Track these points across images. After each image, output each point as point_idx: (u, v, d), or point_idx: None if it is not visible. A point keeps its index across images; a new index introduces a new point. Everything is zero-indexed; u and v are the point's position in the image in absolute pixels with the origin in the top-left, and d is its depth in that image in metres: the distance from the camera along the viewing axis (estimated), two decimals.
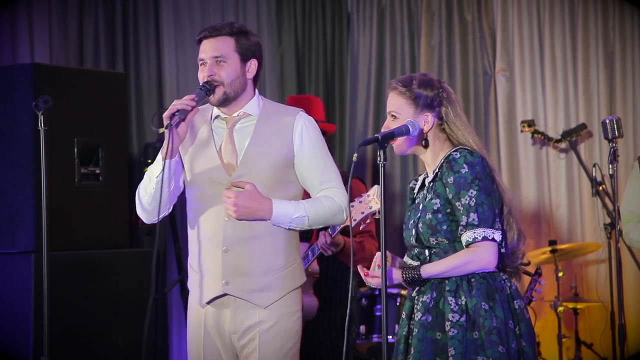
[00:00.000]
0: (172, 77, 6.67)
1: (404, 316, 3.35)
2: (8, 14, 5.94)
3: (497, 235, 3.25)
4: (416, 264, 3.31)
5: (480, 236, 3.22)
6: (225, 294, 3.62)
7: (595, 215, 6.45)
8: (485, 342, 3.18)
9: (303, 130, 3.66)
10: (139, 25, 6.53)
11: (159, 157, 3.59)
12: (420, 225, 3.30)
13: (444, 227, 3.26)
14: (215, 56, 3.60)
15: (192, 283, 3.72)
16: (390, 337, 5.44)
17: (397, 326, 5.45)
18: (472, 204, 3.22)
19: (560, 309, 6.00)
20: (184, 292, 6.07)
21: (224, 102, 3.63)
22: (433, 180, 3.33)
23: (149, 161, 5.95)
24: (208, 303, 3.65)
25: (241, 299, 3.61)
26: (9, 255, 4.87)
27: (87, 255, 5.03)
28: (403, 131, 3.29)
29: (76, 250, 4.99)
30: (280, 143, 3.64)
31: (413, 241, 3.33)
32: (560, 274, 6.04)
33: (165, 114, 3.51)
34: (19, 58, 5.93)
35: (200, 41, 3.66)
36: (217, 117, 3.70)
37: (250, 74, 3.67)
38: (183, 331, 6.34)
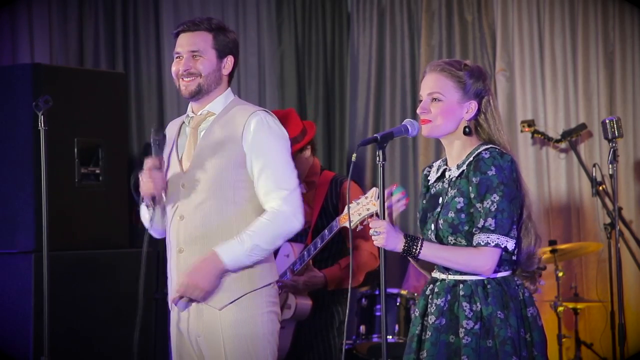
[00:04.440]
0: (172, 77, 6.66)
1: (417, 314, 3.27)
2: (8, 14, 5.94)
3: (510, 244, 3.16)
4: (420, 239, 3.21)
5: (493, 242, 3.13)
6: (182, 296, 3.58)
7: (595, 215, 6.45)
8: (499, 352, 3.11)
9: (255, 130, 3.56)
10: (139, 25, 6.54)
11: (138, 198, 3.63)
12: (441, 222, 3.21)
13: (465, 228, 3.17)
14: (192, 50, 3.60)
15: (169, 284, 3.72)
16: (390, 337, 5.44)
17: (397, 326, 5.46)
18: (493, 209, 3.13)
19: (560, 309, 6.00)
20: None
21: (197, 94, 3.61)
22: (459, 176, 3.23)
23: None
24: (176, 304, 3.61)
25: (198, 301, 3.55)
26: (9, 255, 4.87)
27: (87, 255, 5.03)
28: (402, 131, 3.24)
29: (76, 250, 5.00)
30: (230, 142, 3.57)
31: (432, 237, 3.25)
32: (560, 274, 6.03)
33: (144, 194, 3.58)
34: (19, 58, 5.93)
35: (177, 34, 3.65)
36: (187, 116, 3.71)
37: (226, 70, 3.66)
38: None
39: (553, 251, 6.04)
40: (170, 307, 3.69)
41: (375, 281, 5.49)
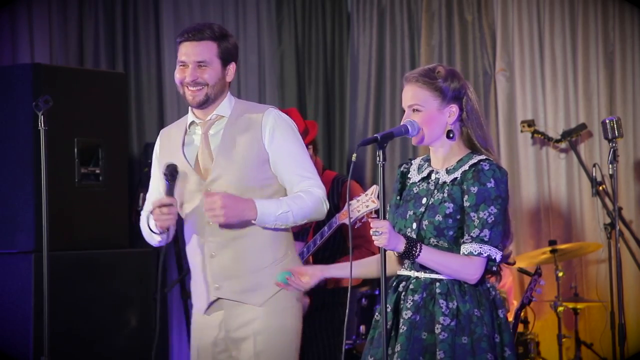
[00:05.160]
0: (172, 77, 6.64)
1: (389, 309, 3.29)
2: (8, 14, 5.95)
3: (499, 257, 3.24)
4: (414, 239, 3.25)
5: (485, 253, 3.20)
6: (219, 298, 3.65)
7: (595, 215, 6.44)
8: (475, 349, 3.18)
9: (273, 126, 3.65)
10: (139, 25, 6.54)
11: (150, 222, 3.63)
12: (425, 223, 3.26)
13: (450, 233, 3.24)
14: (198, 61, 3.63)
15: (192, 290, 3.78)
16: None
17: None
18: (490, 220, 3.20)
19: (560, 309, 6.00)
20: (184, 292, 6.08)
21: (205, 103, 3.65)
22: (452, 182, 3.28)
23: (149, 161, 5.95)
24: (207, 309, 3.68)
25: (234, 300, 3.63)
26: (9, 255, 4.88)
27: (87, 255, 5.03)
28: (402, 131, 3.26)
29: (76, 250, 5.00)
30: (250, 141, 3.63)
31: (413, 236, 3.29)
32: (560, 274, 6.03)
33: (160, 227, 3.60)
34: (19, 58, 5.94)
35: (180, 42, 3.67)
36: (192, 123, 3.72)
37: (229, 77, 3.70)
38: (183, 331, 6.35)
39: (553, 251, 6.04)
40: (197, 311, 3.74)
41: (375, 281, 5.49)
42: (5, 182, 4.92)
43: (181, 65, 3.67)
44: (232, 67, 3.69)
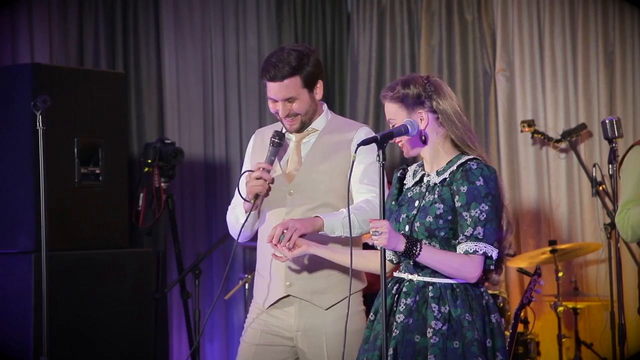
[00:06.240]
0: (172, 77, 6.67)
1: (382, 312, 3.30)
2: (8, 14, 5.94)
3: (495, 254, 3.25)
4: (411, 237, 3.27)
5: (481, 250, 3.23)
6: (289, 295, 3.75)
7: (595, 215, 6.45)
8: (466, 353, 3.20)
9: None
10: (139, 25, 6.54)
11: (241, 202, 3.74)
12: (417, 224, 3.29)
13: (442, 234, 3.26)
14: (286, 98, 3.73)
15: (257, 287, 3.86)
16: None
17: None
18: (482, 218, 3.22)
19: (560, 309, 6.00)
20: (184, 292, 6.08)
21: (302, 129, 3.80)
22: (441, 183, 3.31)
23: (149, 161, 5.97)
24: (273, 304, 3.78)
25: (303, 299, 3.74)
26: (9, 255, 4.87)
27: (87, 255, 5.03)
28: (402, 131, 3.29)
29: (76, 250, 4.99)
30: (339, 154, 3.76)
31: None
32: (560, 274, 6.04)
33: (249, 192, 3.68)
34: (19, 58, 5.93)
35: (264, 80, 3.77)
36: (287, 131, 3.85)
37: (319, 96, 3.81)
38: (183, 331, 6.35)
39: (553, 251, 6.05)
40: (259, 307, 3.82)
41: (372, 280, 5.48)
42: (6, 182, 4.91)
43: (272, 100, 3.77)
44: (319, 85, 3.79)
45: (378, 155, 3.22)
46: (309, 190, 3.75)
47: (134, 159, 6.26)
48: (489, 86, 6.82)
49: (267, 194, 3.73)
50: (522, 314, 5.46)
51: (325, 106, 3.88)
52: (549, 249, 6.07)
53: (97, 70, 5.98)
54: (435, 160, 3.38)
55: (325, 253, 3.54)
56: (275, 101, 3.75)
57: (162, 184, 6.00)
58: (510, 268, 6.37)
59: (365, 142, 3.29)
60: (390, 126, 3.38)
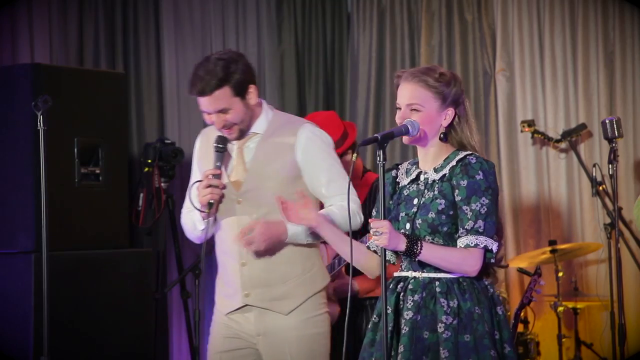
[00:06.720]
0: (172, 77, 6.67)
1: (389, 311, 3.29)
2: (8, 14, 5.94)
3: (495, 247, 3.26)
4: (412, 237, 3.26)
5: (482, 244, 3.23)
6: (247, 305, 3.73)
7: (595, 215, 6.44)
8: (478, 346, 3.19)
9: (306, 143, 3.71)
10: (139, 25, 6.53)
11: (195, 205, 3.70)
12: (418, 222, 3.28)
13: (444, 229, 3.26)
14: (219, 110, 3.65)
15: (218, 293, 3.84)
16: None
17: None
18: (483, 211, 3.22)
19: (560, 309, 6.00)
20: (184, 292, 6.08)
21: (242, 136, 3.72)
22: (441, 179, 3.31)
23: (149, 161, 5.96)
24: (232, 312, 3.75)
25: (262, 308, 3.71)
26: (9, 255, 4.87)
27: (87, 255, 5.03)
28: (402, 131, 3.28)
29: (76, 250, 4.99)
30: (283, 156, 3.69)
31: None
32: (560, 274, 6.04)
33: (201, 202, 3.64)
34: (19, 58, 5.93)
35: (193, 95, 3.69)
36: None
37: (254, 100, 3.71)
38: (183, 331, 6.35)
39: (553, 251, 6.04)
40: (220, 314, 3.81)
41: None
42: (6, 182, 4.91)
43: (206, 113, 3.70)
44: (251, 90, 3.70)
45: (378, 155, 3.20)
46: (257, 198, 3.69)
47: (134, 159, 6.25)
48: (489, 86, 6.82)
49: (221, 200, 3.67)
50: (522, 314, 5.47)
51: (264, 104, 3.78)
52: (549, 249, 6.07)
53: (97, 70, 5.98)
54: (435, 157, 3.36)
55: (332, 238, 3.37)
56: (209, 114, 3.67)
57: (162, 184, 6.00)
58: (510, 268, 6.37)
59: (366, 143, 3.28)
60: (407, 109, 3.30)
